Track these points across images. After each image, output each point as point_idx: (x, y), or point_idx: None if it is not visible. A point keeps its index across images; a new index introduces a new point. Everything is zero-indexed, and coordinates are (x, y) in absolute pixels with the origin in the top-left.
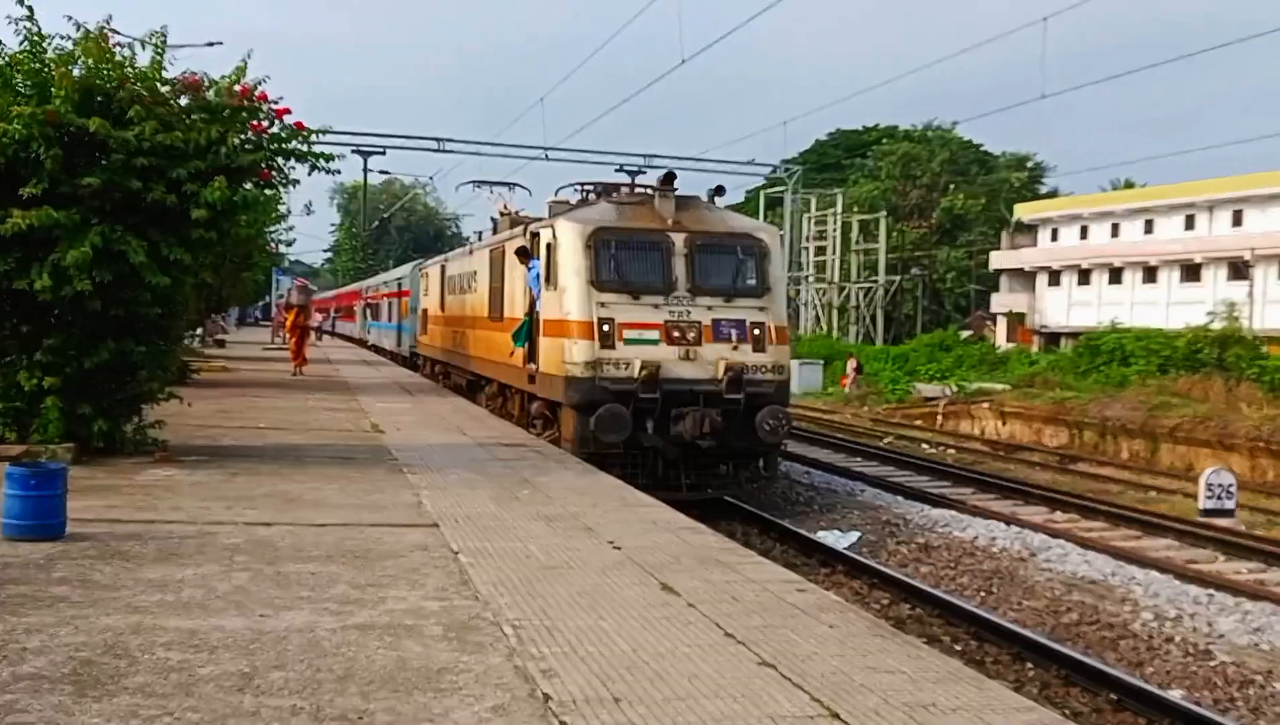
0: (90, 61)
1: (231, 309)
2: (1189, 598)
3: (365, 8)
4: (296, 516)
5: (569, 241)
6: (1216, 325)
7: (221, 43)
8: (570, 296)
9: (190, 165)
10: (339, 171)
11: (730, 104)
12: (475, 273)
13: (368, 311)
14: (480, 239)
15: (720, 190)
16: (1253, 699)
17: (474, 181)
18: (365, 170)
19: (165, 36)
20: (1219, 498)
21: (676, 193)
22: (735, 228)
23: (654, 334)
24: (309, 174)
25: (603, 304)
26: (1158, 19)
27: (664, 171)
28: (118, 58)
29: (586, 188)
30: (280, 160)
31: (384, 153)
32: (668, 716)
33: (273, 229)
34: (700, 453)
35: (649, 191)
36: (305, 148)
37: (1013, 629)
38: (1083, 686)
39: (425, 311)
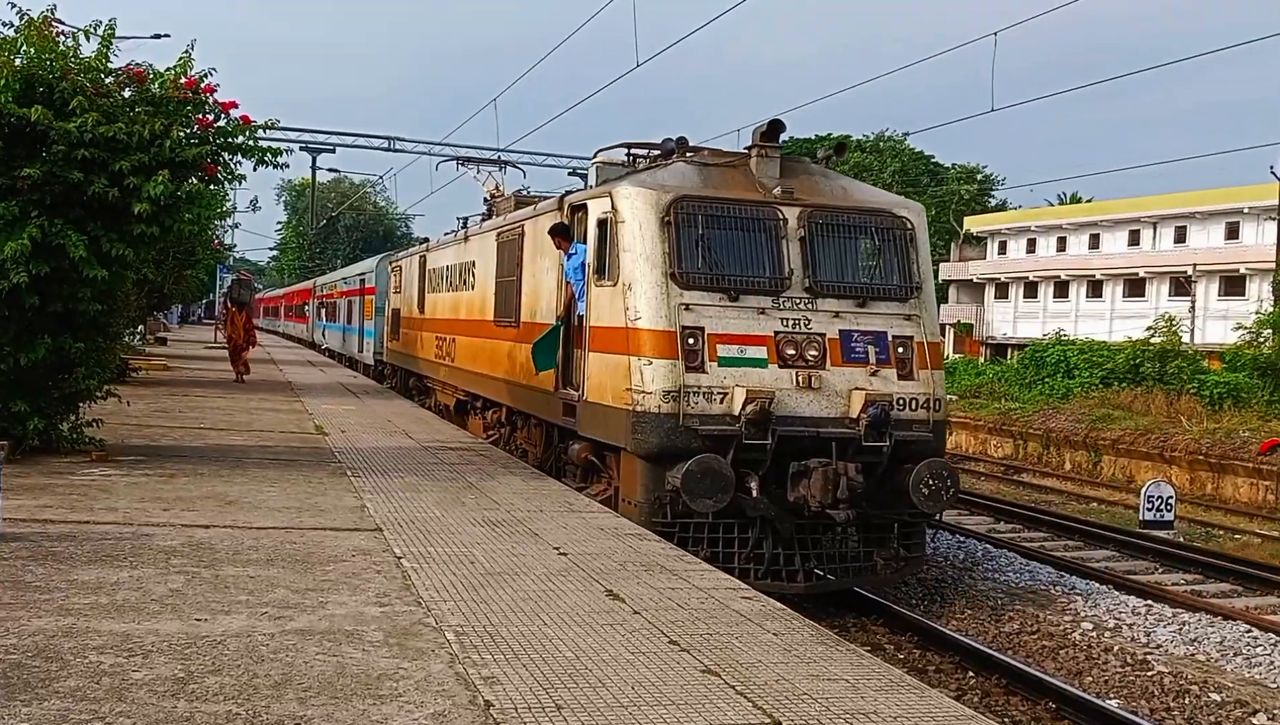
0: (33, 51)
1: (174, 306)
2: (1128, 608)
3: (313, 8)
4: (236, 519)
5: (638, 215)
6: (1156, 340)
7: (169, 35)
8: (640, 295)
9: (133, 158)
10: (286, 166)
11: (684, 110)
12: (472, 264)
13: (321, 311)
14: (465, 227)
15: (841, 149)
16: (1188, 708)
17: (459, 159)
18: (314, 167)
19: (114, 28)
20: (1159, 510)
21: (782, 153)
22: (867, 201)
23: (760, 351)
24: (254, 169)
25: (688, 306)
26: (1104, 36)
27: (767, 121)
28: (61, 47)
29: (636, 152)
30: (226, 155)
31: (333, 150)
32: (609, 724)
33: (218, 225)
34: (822, 526)
35: (742, 151)
36: (252, 142)
37: (955, 638)
38: (1023, 695)
39: (396, 312)
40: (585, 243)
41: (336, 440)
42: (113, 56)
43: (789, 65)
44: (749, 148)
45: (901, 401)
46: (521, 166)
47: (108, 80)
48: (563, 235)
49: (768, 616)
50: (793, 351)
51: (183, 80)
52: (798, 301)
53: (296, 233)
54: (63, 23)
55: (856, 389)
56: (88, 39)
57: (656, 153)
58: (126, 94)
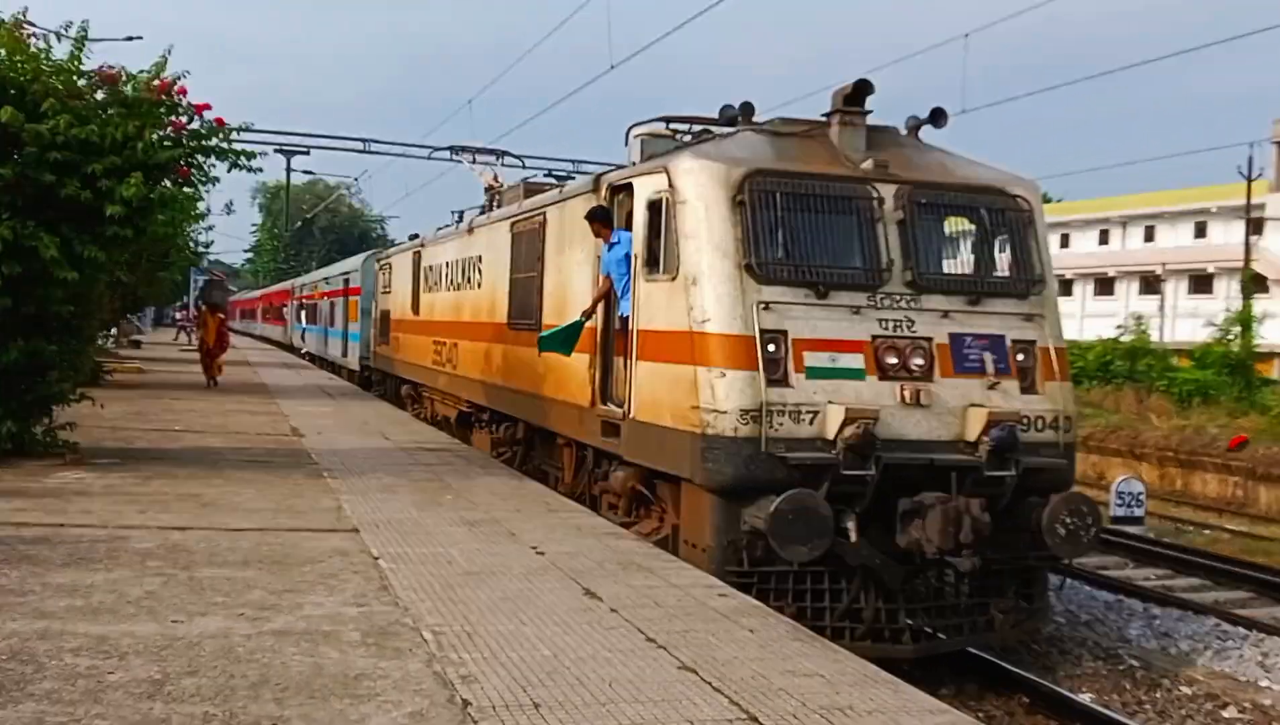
0: (3, 52)
1: (147, 309)
2: (1099, 603)
3: (287, 11)
4: (212, 521)
5: (704, 194)
6: (1126, 338)
7: (141, 37)
8: (709, 292)
9: (106, 161)
10: (260, 170)
11: (659, 111)
12: (478, 260)
13: (301, 313)
14: (463, 220)
15: (940, 115)
16: (1159, 702)
17: (452, 147)
18: (288, 169)
19: (86, 30)
20: (1129, 506)
21: (869, 121)
22: (975, 177)
23: (855, 359)
24: (228, 171)
25: (767, 305)
26: (1074, 37)
27: (851, 82)
28: (33, 49)
29: (676, 126)
30: (200, 157)
31: (308, 152)
32: (587, 721)
33: (192, 228)
34: (928, 573)
35: (819, 119)
36: (225, 145)
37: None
38: (996, 690)
39: (386, 314)
40: (630, 230)
41: (313, 442)
42: (85, 58)
43: (763, 69)
44: (828, 114)
45: (1026, 420)
46: (520, 157)
47: (80, 82)
48: (602, 221)
49: (743, 613)
50: (894, 360)
51: (156, 83)
52: (898, 298)
53: (271, 235)
54: (34, 25)
55: (973, 406)
56: (59, 41)
57: (699, 128)
58: (99, 96)
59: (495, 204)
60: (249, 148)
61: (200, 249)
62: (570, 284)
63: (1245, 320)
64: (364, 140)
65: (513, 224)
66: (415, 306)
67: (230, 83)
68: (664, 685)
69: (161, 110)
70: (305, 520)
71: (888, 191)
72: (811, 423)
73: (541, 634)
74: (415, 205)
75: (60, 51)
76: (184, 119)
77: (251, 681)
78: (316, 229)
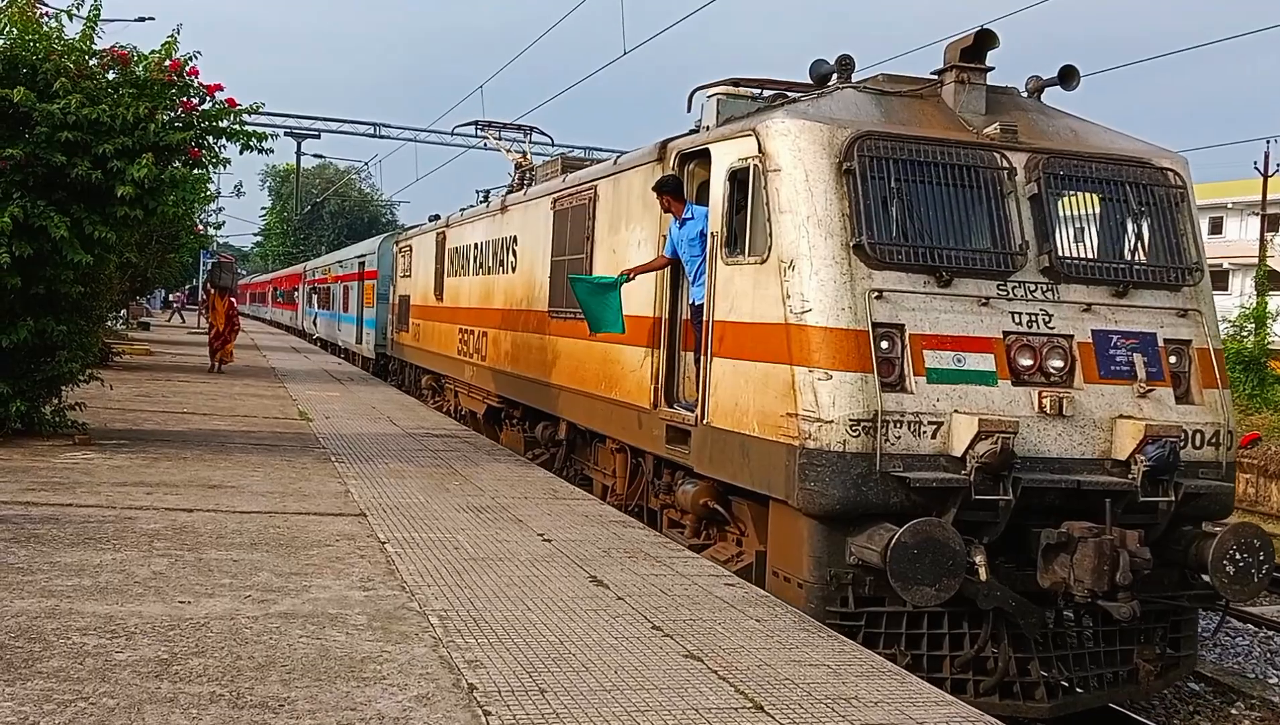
0: (16, 31)
1: (157, 291)
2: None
3: None
4: (219, 503)
5: (805, 160)
6: None
7: (153, 18)
8: (810, 276)
9: (117, 141)
10: (271, 151)
11: (673, 95)
12: (513, 241)
13: (313, 298)
14: (492, 197)
15: (1071, 75)
16: (1167, 696)
17: (477, 122)
18: (299, 153)
19: (99, 8)
20: None
21: (988, 81)
22: (1115, 147)
23: (985, 360)
24: (240, 153)
25: (880, 294)
26: (1083, 32)
27: (972, 32)
28: (45, 28)
29: (747, 90)
30: (210, 138)
31: (318, 136)
32: (593, 707)
33: (202, 210)
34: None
35: (929, 77)
36: (236, 126)
37: None
38: None
39: (405, 300)
40: (707, 204)
41: (321, 426)
42: (97, 38)
43: (771, 56)
44: (941, 71)
45: (1184, 435)
46: (548, 134)
47: (92, 62)
48: (673, 193)
49: (751, 603)
50: (1029, 361)
51: (167, 63)
52: (1032, 288)
53: (281, 218)
54: (45, 3)
55: (1122, 417)
56: (71, 19)
57: (772, 93)
58: (110, 76)
59: (527, 182)
60: (260, 130)
61: (211, 230)
62: (627, 267)
63: (1260, 316)
64: (374, 124)
65: (555, 200)
66: (439, 292)
67: (242, 65)
68: (670, 673)
69: (173, 91)
70: (312, 504)
71: (1018, 161)
72: (934, 436)
73: (547, 620)
74: (425, 190)
75: (72, 31)
76: (195, 100)
77: (258, 663)
78: (326, 213)
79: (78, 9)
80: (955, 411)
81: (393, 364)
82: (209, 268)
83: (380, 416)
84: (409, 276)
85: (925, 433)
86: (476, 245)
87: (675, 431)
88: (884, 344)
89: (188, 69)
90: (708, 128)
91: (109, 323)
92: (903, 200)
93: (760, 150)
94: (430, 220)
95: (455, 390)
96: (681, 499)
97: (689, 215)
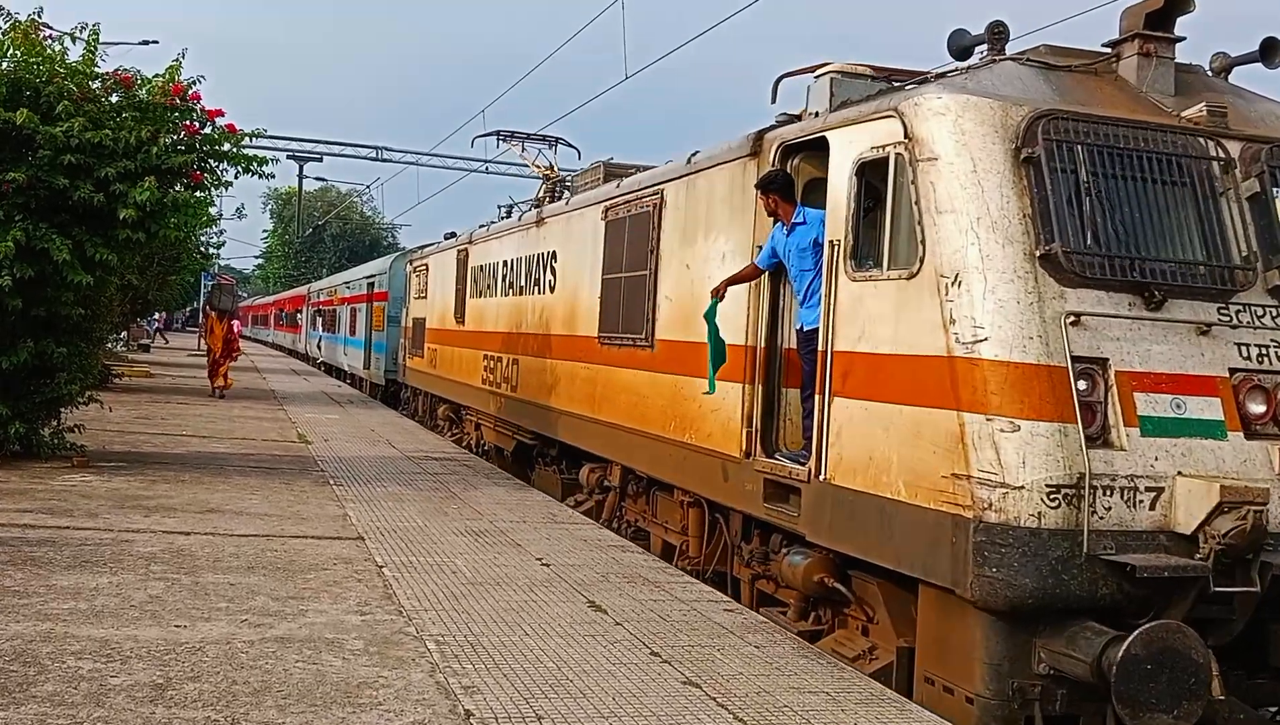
0: (19, 54)
1: (157, 314)
2: None
3: (304, 15)
4: (217, 526)
5: (971, 146)
6: None
7: (157, 41)
8: (982, 294)
9: (119, 164)
10: (272, 176)
11: (677, 120)
12: (550, 257)
13: (317, 320)
14: (519, 210)
15: (1273, 48)
16: None
17: (499, 132)
18: (300, 176)
19: (98, 32)
20: None
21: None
22: None
23: (1210, 406)
24: (235, 177)
25: (1076, 318)
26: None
27: None
28: (48, 51)
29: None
30: (212, 162)
31: (320, 159)
32: None
33: (204, 233)
34: None
35: (1102, 50)
36: (237, 150)
37: None
38: None
39: (419, 323)
40: (823, 207)
41: (319, 449)
42: (100, 61)
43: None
44: (1118, 42)
45: None
46: (575, 146)
47: (95, 85)
48: (782, 193)
49: (749, 629)
50: (1261, 407)
51: (170, 87)
52: (1260, 313)
53: (282, 241)
54: (50, 26)
55: None
56: (74, 42)
57: (864, 72)
58: (114, 99)
59: (558, 193)
60: (261, 154)
61: (212, 251)
62: (706, 285)
63: None
64: (376, 148)
65: (606, 210)
66: (459, 314)
67: (245, 88)
68: (667, 699)
69: (175, 115)
70: (310, 527)
71: (1235, 150)
72: (1152, 507)
73: (545, 646)
74: (427, 214)
75: (75, 54)
76: (197, 123)
77: (254, 688)
78: (327, 236)
79: (80, 33)
80: (1179, 474)
81: (405, 392)
82: (209, 289)
83: (379, 440)
84: (424, 298)
85: (1142, 502)
86: (505, 263)
87: (777, 487)
88: (1082, 384)
89: (190, 93)
90: (815, 114)
91: (109, 345)
92: (1097, 198)
93: (907, 135)
94: (446, 237)
95: (478, 423)
96: (787, 573)
97: (800, 219)
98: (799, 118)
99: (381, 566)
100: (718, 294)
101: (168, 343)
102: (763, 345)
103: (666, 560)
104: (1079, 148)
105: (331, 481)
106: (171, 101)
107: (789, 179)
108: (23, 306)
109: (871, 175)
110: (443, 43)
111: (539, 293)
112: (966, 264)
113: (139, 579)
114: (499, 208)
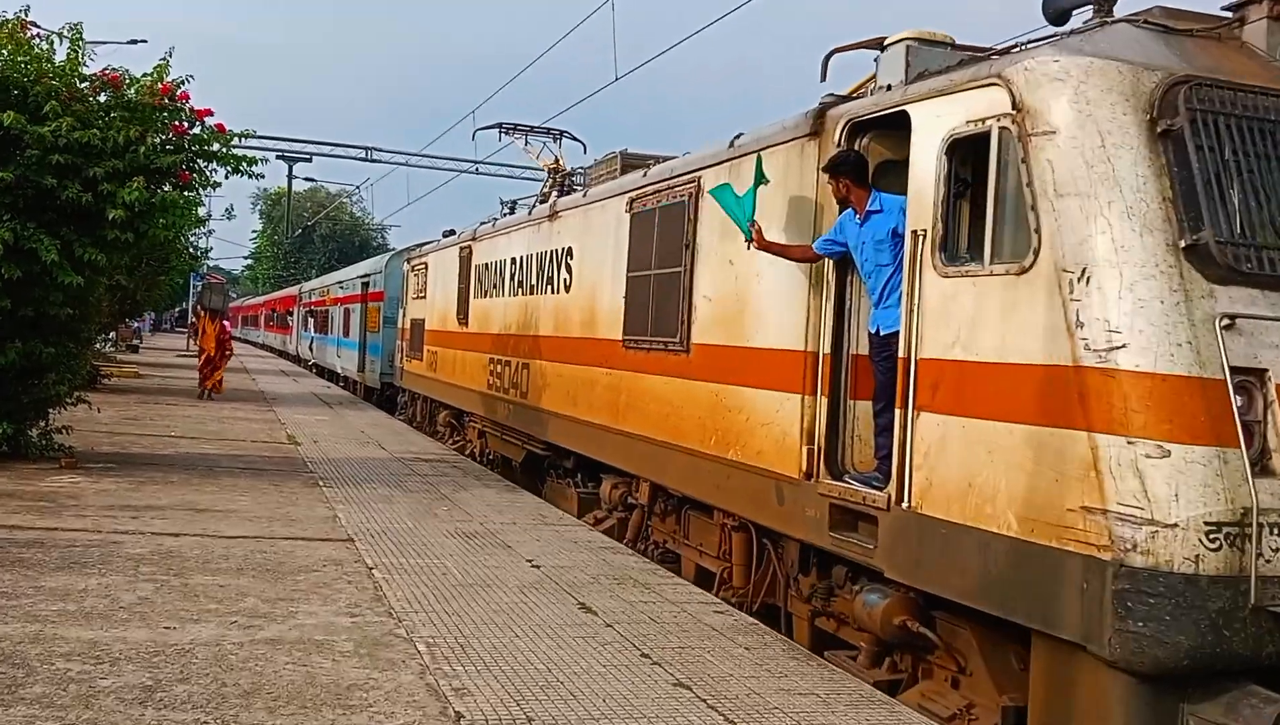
0: (6, 53)
1: (146, 314)
2: None
3: (297, 17)
4: (206, 527)
5: (1097, 115)
6: None
7: (145, 40)
8: (1114, 292)
9: (107, 164)
10: (261, 176)
11: (664, 122)
12: (565, 254)
13: (309, 321)
14: (511, 213)
15: None
16: None
17: (501, 124)
18: (290, 176)
19: (81, 30)
20: None
21: None
22: None
23: None
24: (225, 177)
25: (1230, 322)
26: None
27: None
28: (36, 51)
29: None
30: (201, 162)
31: (310, 160)
32: None
33: (193, 233)
34: None
35: (1221, 14)
36: (226, 150)
37: None
38: None
39: (418, 324)
40: (901, 192)
41: (309, 450)
42: (88, 60)
43: (764, 83)
44: (1240, 5)
45: None
46: (580, 139)
47: (83, 85)
48: (855, 176)
49: (740, 631)
50: None
51: (158, 87)
52: None
53: (271, 242)
54: (37, 25)
55: None
56: (62, 42)
57: (944, 40)
58: (102, 99)
59: (564, 188)
60: (250, 154)
61: (199, 252)
62: (754, 283)
63: None
64: (366, 148)
65: (632, 201)
66: (463, 315)
67: (234, 89)
68: (658, 701)
69: (163, 115)
70: (300, 529)
71: None
72: None
73: (535, 647)
74: (417, 215)
75: (62, 53)
76: (185, 123)
77: (243, 690)
78: (317, 236)
79: (66, 33)
80: None
81: (402, 396)
82: (199, 290)
83: (369, 441)
84: (423, 298)
85: None
86: (514, 260)
87: (846, 514)
88: (1239, 400)
89: (179, 93)
90: (887, 87)
91: (97, 345)
92: (1245, 179)
93: (1015, 105)
94: (445, 235)
95: (483, 431)
96: (860, 614)
97: (875, 206)
98: (852, 97)
99: (372, 568)
100: (754, 237)
101: (139, 344)
102: (826, 351)
103: (702, 586)
104: (1225, 120)
105: (321, 483)
106: (160, 101)
107: (862, 160)
108: (11, 307)
109: (966, 154)
110: (437, 44)
111: (552, 292)
112: (1096, 256)
113: (128, 580)
114: (501, 203)
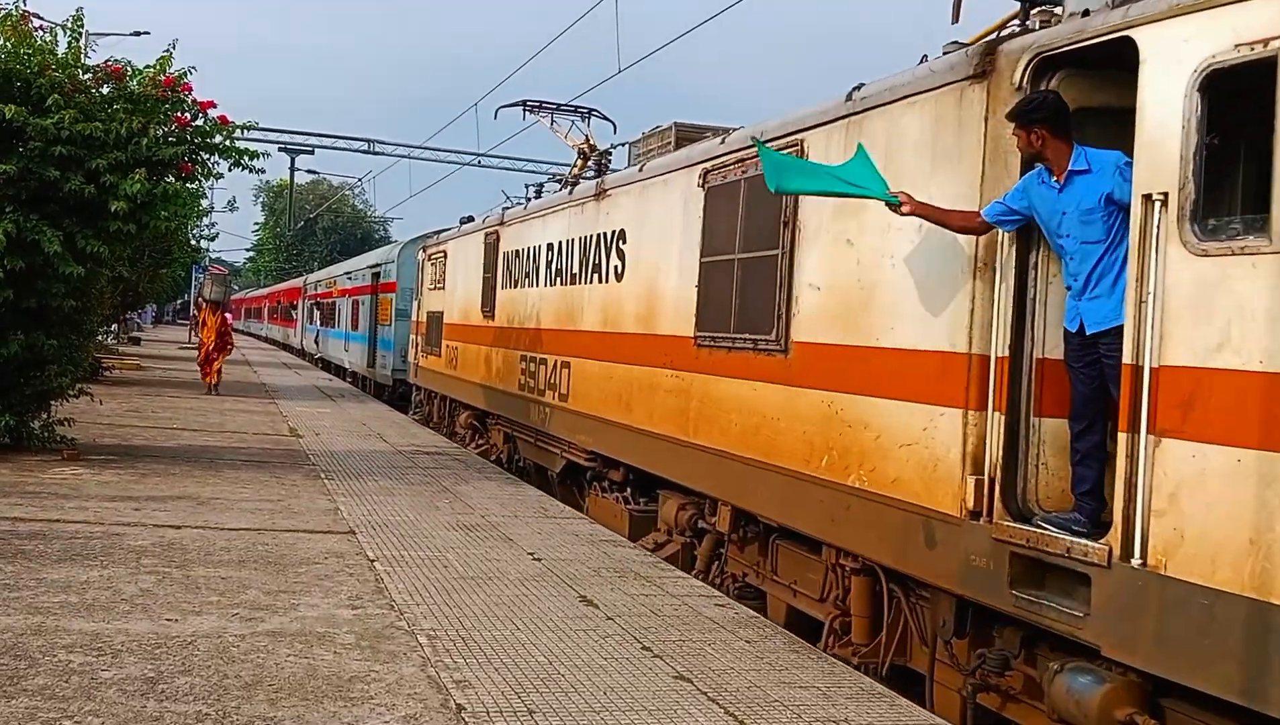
0: (9, 46)
1: (148, 306)
2: None
3: (298, 11)
4: (208, 520)
5: None
6: None
7: (149, 32)
8: None
9: (110, 156)
10: (263, 170)
11: (671, 115)
12: (617, 237)
13: (314, 314)
14: (527, 205)
15: None
16: None
17: (525, 102)
18: (292, 169)
19: (82, 19)
20: None
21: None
22: None
23: None
24: (229, 170)
25: None
26: None
27: None
28: (39, 42)
29: None
30: (203, 155)
31: (312, 152)
32: None
33: (195, 225)
34: None
35: None
36: (229, 143)
37: None
38: None
39: (436, 317)
40: (1120, 147)
41: (311, 443)
42: (91, 51)
43: (772, 77)
44: None
45: None
46: (610, 119)
47: (85, 77)
48: (1052, 125)
49: (741, 624)
50: None
51: (161, 78)
52: None
53: (274, 234)
54: (40, 17)
55: None
56: (65, 33)
57: None
58: (105, 91)
59: (600, 168)
60: (253, 147)
61: (204, 243)
62: (886, 267)
63: None
64: (368, 140)
65: (706, 173)
66: (488, 307)
67: (238, 82)
68: (659, 694)
69: (166, 106)
70: (301, 521)
71: None
72: None
73: (537, 640)
74: (419, 207)
75: (64, 45)
76: (188, 115)
77: (245, 682)
78: (319, 229)
79: (68, 25)
80: None
81: (416, 394)
82: (200, 282)
83: (371, 433)
84: (441, 289)
85: None
86: (551, 246)
87: (1034, 567)
88: None
89: (181, 84)
90: (1083, 13)
91: (99, 337)
92: None
93: None
94: (463, 222)
95: (512, 435)
96: (1063, 701)
97: (1081, 165)
98: (996, 44)
99: (373, 560)
100: (912, 210)
101: (141, 336)
102: (1001, 352)
103: (796, 631)
104: None
105: (323, 475)
106: (163, 93)
107: (1063, 104)
108: (13, 298)
109: (1235, 89)
110: (436, 37)
111: (600, 281)
112: None
113: (130, 572)
114: (526, 187)
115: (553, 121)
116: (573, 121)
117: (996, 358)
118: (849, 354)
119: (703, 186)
